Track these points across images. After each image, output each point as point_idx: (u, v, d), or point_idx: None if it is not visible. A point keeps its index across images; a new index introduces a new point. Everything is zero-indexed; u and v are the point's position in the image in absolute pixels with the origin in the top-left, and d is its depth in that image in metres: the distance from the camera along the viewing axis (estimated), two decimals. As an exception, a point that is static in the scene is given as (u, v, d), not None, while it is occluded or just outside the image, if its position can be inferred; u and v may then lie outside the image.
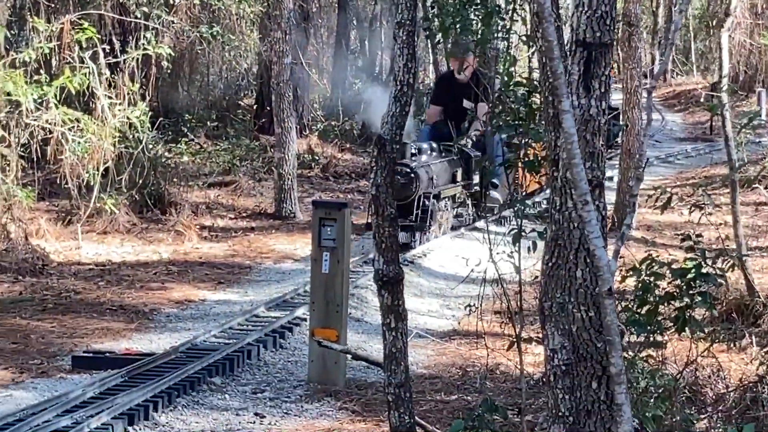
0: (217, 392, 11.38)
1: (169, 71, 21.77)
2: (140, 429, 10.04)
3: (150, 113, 21.09)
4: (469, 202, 20.24)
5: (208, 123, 31.88)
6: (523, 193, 20.92)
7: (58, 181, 20.34)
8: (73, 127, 19.31)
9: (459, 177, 18.97)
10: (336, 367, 11.73)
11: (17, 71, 18.74)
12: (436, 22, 10.17)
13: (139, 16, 21.10)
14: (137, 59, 20.74)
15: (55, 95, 19.10)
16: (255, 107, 33.84)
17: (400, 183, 16.35)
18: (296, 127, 24.23)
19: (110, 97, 20.13)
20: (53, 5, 20.39)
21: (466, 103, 18.58)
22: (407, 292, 8.76)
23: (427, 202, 17.16)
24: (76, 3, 20.14)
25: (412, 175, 17.04)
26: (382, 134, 8.50)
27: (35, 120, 19.09)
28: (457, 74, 18.66)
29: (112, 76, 20.43)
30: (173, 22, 22.14)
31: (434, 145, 18.73)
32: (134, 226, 20.65)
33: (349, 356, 11.55)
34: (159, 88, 21.88)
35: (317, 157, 29.86)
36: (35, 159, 20.00)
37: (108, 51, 20.37)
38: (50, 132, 19.34)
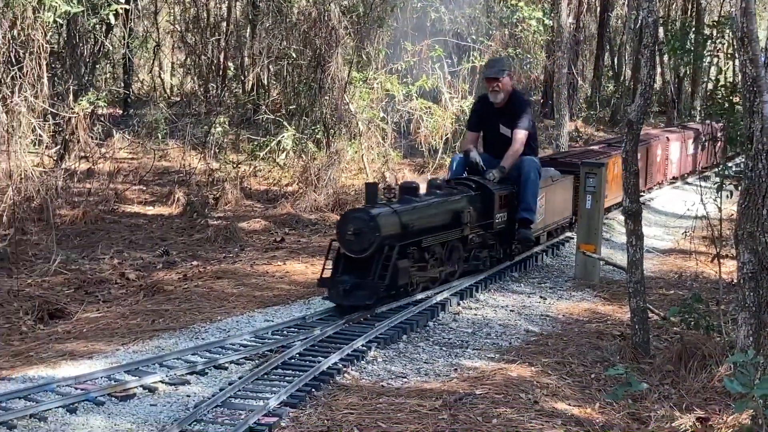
0: (515, 282, 11.44)
1: (487, 77, 21.79)
2: (466, 302, 10.19)
3: (474, 103, 21.19)
4: (493, 242, 11.28)
5: (510, 110, 31.84)
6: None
7: (415, 146, 20.68)
8: (426, 111, 19.60)
9: (468, 218, 10.38)
10: (593, 269, 11.66)
11: (393, 76, 19.12)
12: (666, 46, 9.95)
13: (469, 41, 21.13)
14: (467, 69, 20.83)
15: (416, 91, 19.43)
16: (541, 100, 33.56)
17: (353, 232, 9.18)
18: (568, 114, 23.90)
19: (450, 93, 20.34)
20: (416, 34, 20.65)
21: (503, 130, 11.35)
22: (642, 222, 8.64)
23: (391, 255, 9.11)
24: (430, 32, 20.30)
25: (372, 223, 9.11)
26: (630, 118, 8.38)
27: (403, 107, 19.46)
28: (491, 98, 11.36)
29: (452, 79, 20.61)
30: (490, 45, 22.05)
31: (439, 181, 10.80)
32: (463, 175, 20.82)
33: (602, 262, 11.46)
34: (480, 87, 21.89)
35: (581, 135, 29.53)
36: (402, 132, 20.41)
37: (449, 63, 20.52)
38: (412, 115, 19.68)
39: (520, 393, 7.11)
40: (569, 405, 6.94)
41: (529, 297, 10.73)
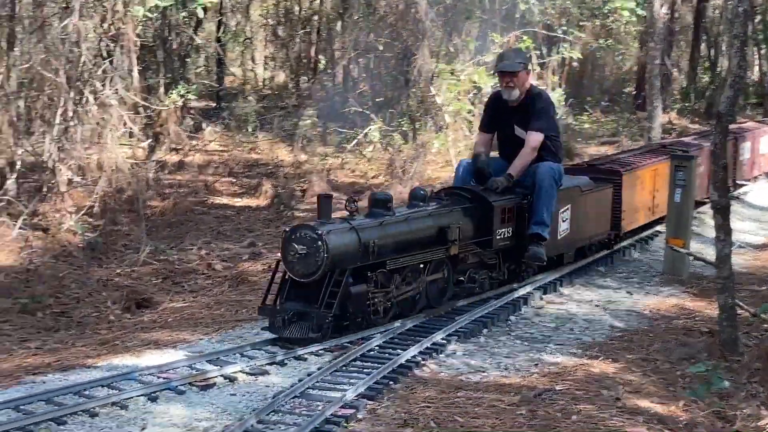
0: (601, 277, 11.27)
1: (577, 68, 21.51)
2: (550, 296, 10.09)
3: (564, 95, 20.92)
4: (494, 262, 9.64)
5: (601, 102, 31.40)
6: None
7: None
8: (514, 103, 19.40)
9: (457, 234, 8.84)
10: (682, 264, 11.43)
11: (481, 68, 18.99)
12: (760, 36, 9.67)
13: (560, 33, 20.90)
14: (557, 61, 20.58)
15: (504, 83, 19.23)
16: (634, 92, 33.02)
17: (298, 252, 7.85)
18: (661, 106, 23.45)
19: (538, 85, 20.11)
20: (504, 25, 20.49)
21: (518, 131, 9.90)
22: (732, 216, 8.39)
23: (341, 280, 7.82)
24: (519, 24, 20.13)
25: (319, 242, 7.77)
26: (720, 110, 8.17)
27: (491, 99, 19.30)
28: (504, 95, 9.89)
29: (541, 70, 20.39)
30: (582, 37, 21.81)
31: (422, 192, 9.22)
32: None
33: (691, 257, 11.21)
34: (570, 79, 21.65)
35: (675, 127, 28.99)
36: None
37: (539, 54, 20.29)
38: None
39: (601, 389, 6.98)
40: (652, 402, 6.79)
41: (615, 292, 10.55)
